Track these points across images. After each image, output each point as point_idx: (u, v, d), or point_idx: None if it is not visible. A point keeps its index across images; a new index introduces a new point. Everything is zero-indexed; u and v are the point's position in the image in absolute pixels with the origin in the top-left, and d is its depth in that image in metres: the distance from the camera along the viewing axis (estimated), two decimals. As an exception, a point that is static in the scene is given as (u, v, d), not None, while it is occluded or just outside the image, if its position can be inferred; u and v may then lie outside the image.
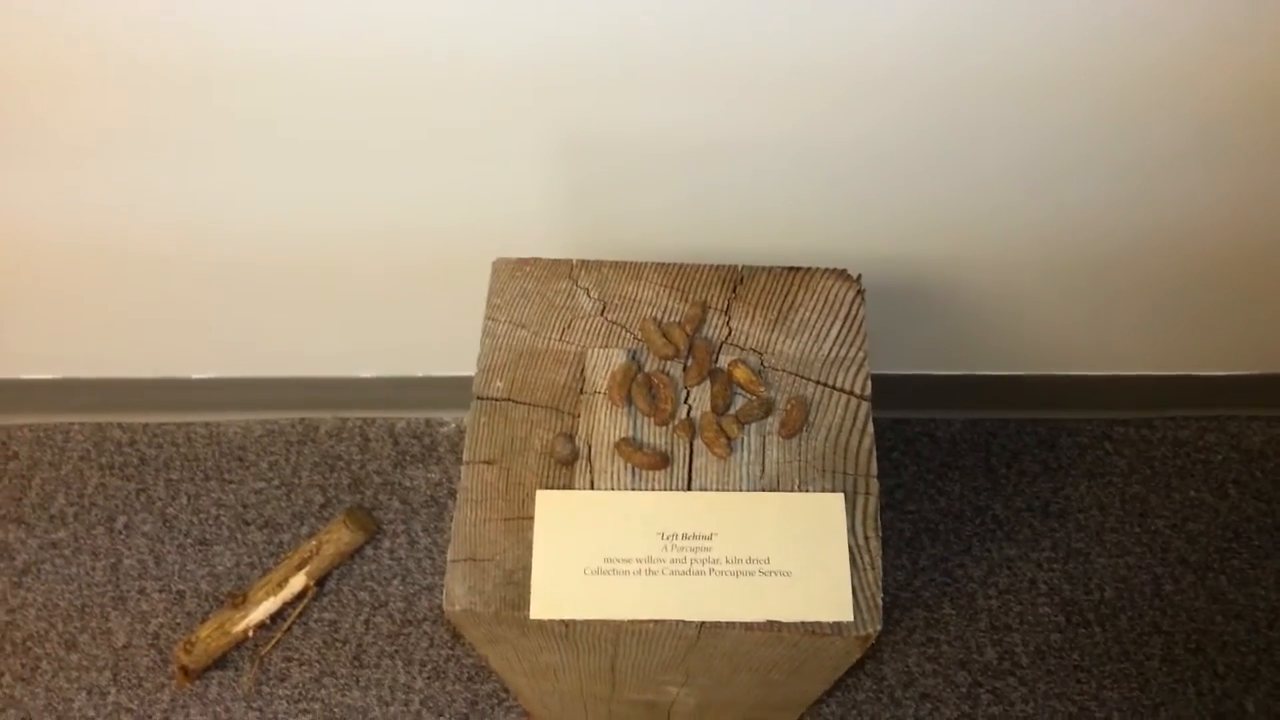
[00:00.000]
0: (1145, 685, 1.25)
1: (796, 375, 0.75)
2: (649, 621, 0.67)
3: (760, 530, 0.69)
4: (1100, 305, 1.13)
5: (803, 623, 0.67)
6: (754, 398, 0.73)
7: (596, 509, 0.70)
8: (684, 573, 0.68)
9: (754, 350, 0.76)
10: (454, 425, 1.38)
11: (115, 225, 0.99)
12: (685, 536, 0.69)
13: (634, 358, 0.75)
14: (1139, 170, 0.90)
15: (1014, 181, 0.91)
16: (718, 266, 0.79)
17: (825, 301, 0.77)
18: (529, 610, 0.68)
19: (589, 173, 0.90)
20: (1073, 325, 1.17)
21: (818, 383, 0.74)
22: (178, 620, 1.27)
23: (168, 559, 1.31)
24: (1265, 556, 1.32)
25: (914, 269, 1.05)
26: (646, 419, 0.73)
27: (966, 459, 1.37)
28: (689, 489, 0.71)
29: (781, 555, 0.68)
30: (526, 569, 0.69)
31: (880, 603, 0.68)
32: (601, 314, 0.77)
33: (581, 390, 0.74)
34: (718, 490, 0.71)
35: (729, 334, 0.76)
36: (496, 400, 0.74)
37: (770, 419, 0.73)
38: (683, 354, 0.75)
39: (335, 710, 1.23)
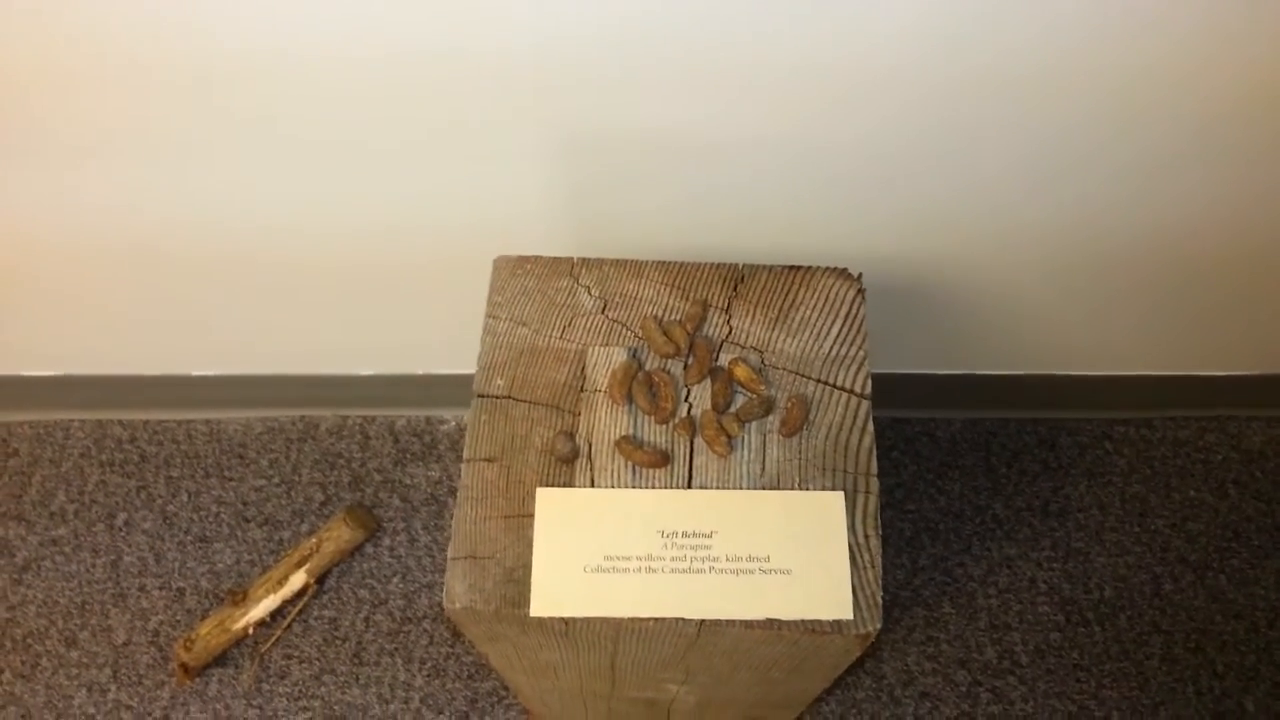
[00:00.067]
0: (1145, 684, 1.25)
1: (797, 374, 0.75)
2: (649, 619, 0.67)
3: (760, 528, 0.69)
4: (1100, 305, 1.13)
5: (803, 621, 0.67)
6: (754, 396, 0.73)
7: (597, 507, 0.70)
8: (684, 571, 0.68)
9: (755, 349, 0.76)
10: (454, 423, 1.38)
11: (116, 223, 0.99)
12: (685, 534, 0.69)
13: (635, 356, 0.75)
14: (1139, 170, 0.90)
15: (1014, 181, 0.91)
16: (718, 265, 0.79)
17: (826, 300, 0.77)
18: (529, 608, 0.68)
19: (590, 171, 0.90)
20: (1073, 325, 1.17)
21: (818, 381, 0.74)
22: (178, 617, 1.27)
23: (168, 556, 1.31)
24: (1265, 556, 1.32)
25: (914, 268, 1.05)
26: (647, 417, 0.73)
27: (966, 458, 1.37)
28: (689, 487, 0.71)
29: (781, 553, 0.69)
30: (526, 567, 0.69)
31: (880, 601, 0.68)
32: (602, 312, 0.77)
33: (582, 388, 0.74)
34: (718, 488, 0.71)
35: (730, 332, 0.76)
36: (497, 398, 0.74)
37: (771, 417, 0.73)
38: (683, 352, 0.75)
39: (335, 708, 1.23)
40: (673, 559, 0.68)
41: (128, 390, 1.31)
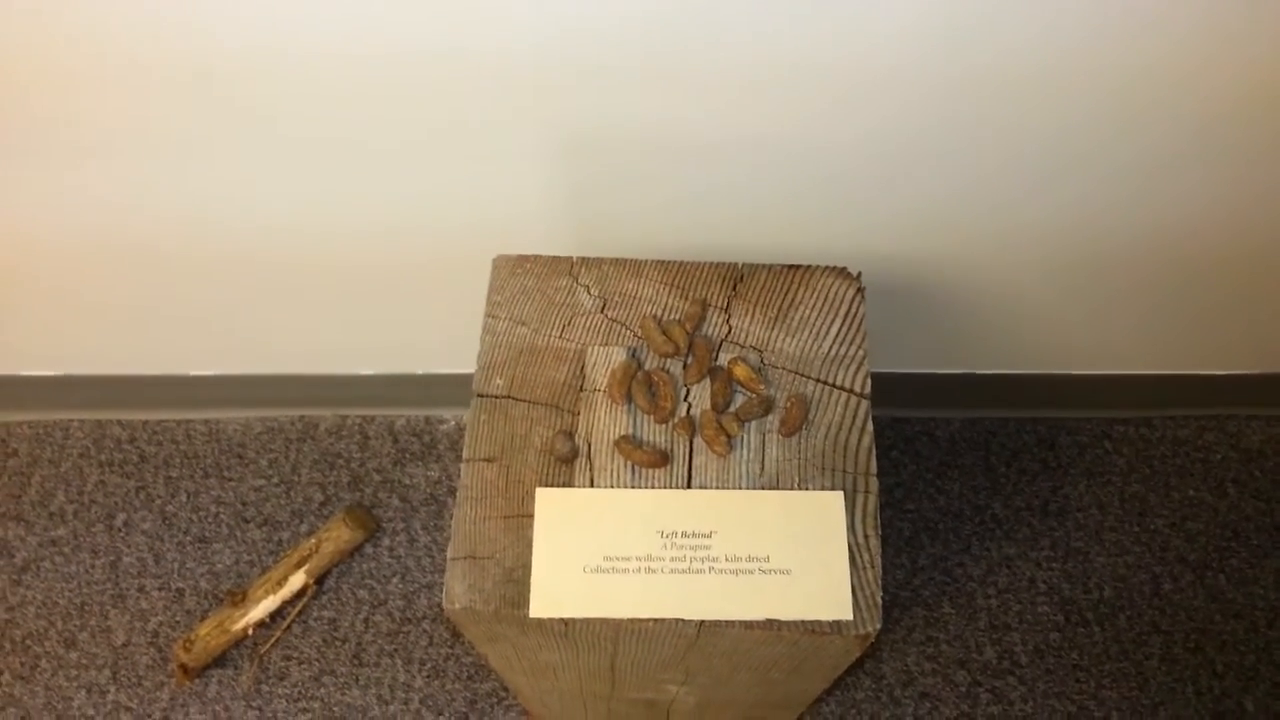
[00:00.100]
0: (1144, 684, 1.25)
1: (796, 373, 0.75)
2: (648, 620, 0.67)
3: (760, 528, 0.69)
4: (1100, 304, 1.13)
5: (802, 621, 0.67)
6: (754, 395, 0.73)
7: (596, 507, 0.70)
8: (683, 571, 0.68)
9: (754, 348, 0.76)
10: (454, 423, 1.38)
11: (115, 223, 0.99)
12: (685, 535, 0.69)
13: (634, 355, 0.75)
14: (1138, 170, 0.90)
15: (1014, 180, 0.91)
16: (718, 264, 0.79)
17: (825, 300, 0.77)
18: (528, 608, 0.68)
19: (589, 170, 0.90)
20: (1072, 324, 1.17)
21: (818, 381, 0.74)
22: (177, 618, 1.27)
23: (167, 557, 1.31)
24: (1264, 556, 1.32)
25: (914, 267, 1.05)
26: (646, 417, 0.73)
27: (966, 458, 1.37)
28: (689, 487, 0.71)
29: (781, 553, 0.68)
30: (526, 567, 0.69)
31: (880, 601, 0.68)
32: (601, 311, 0.77)
33: (581, 388, 0.74)
34: (717, 488, 0.71)
35: (729, 332, 0.76)
36: (496, 398, 0.74)
37: (770, 417, 0.73)
38: (683, 351, 0.75)
39: (335, 709, 1.23)
40: (672, 559, 0.68)
41: (127, 390, 1.31)
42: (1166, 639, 1.27)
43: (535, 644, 0.75)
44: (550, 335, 0.76)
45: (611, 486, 0.71)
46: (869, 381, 0.74)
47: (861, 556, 0.69)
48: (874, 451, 0.72)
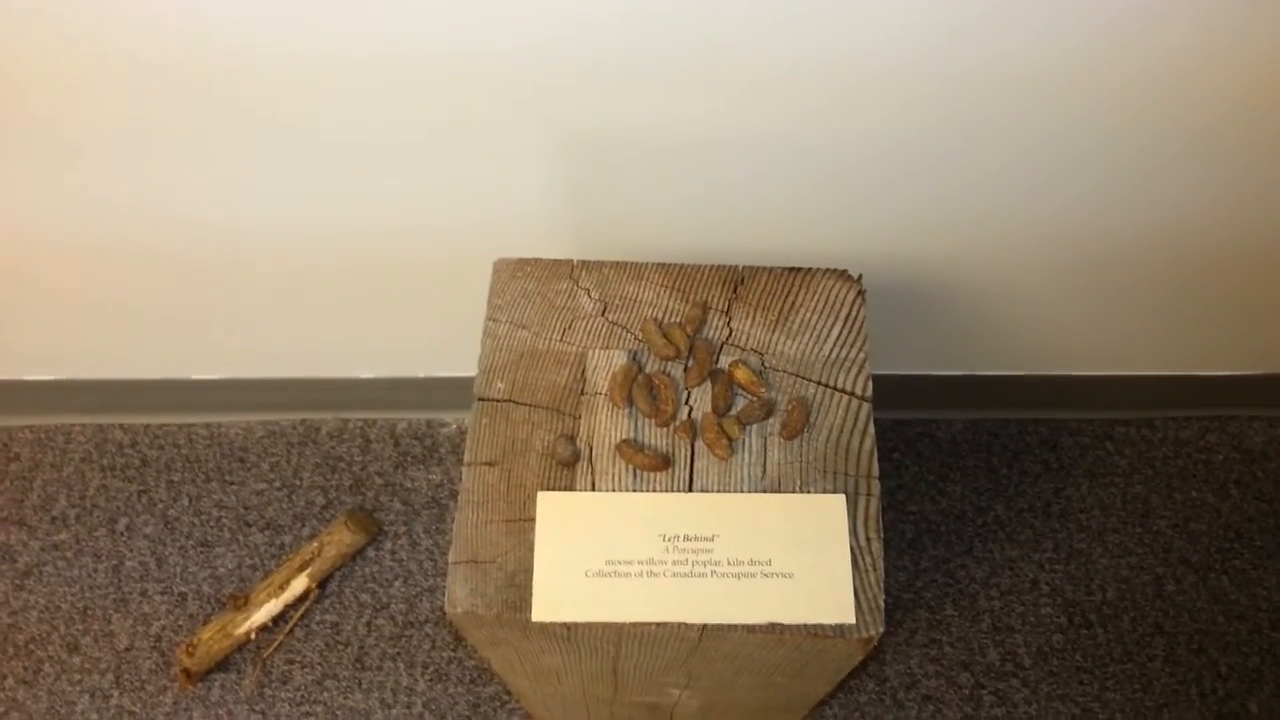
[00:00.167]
0: (1148, 686, 1.25)
1: (797, 376, 0.75)
2: (651, 624, 0.67)
3: (762, 532, 0.69)
4: (1101, 305, 1.13)
5: (805, 625, 0.67)
6: (755, 399, 0.73)
7: (598, 511, 0.70)
8: (685, 575, 0.68)
9: (755, 351, 0.76)
10: (455, 426, 1.38)
11: (116, 226, 0.99)
12: (687, 538, 0.69)
13: (635, 359, 0.75)
14: (1140, 170, 0.90)
15: (1015, 181, 0.91)
16: (718, 267, 0.79)
17: (826, 302, 0.77)
18: (530, 612, 0.67)
19: (589, 172, 0.90)
20: (1074, 325, 1.17)
21: (819, 383, 0.74)
22: (180, 622, 1.27)
23: (169, 561, 1.31)
24: (1267, 557, 1.31)
25: (915, 269, 1.05)
26: (647, 420, 0.73)
27: (968, 459, 1.36)
28: (690, 490, 0.71)
29: (783, 557, 0.68)
30: (528, 571, 0.69)
31: (882, 604, 0.68)
32: (602, 314, 0.77)
33: (582, 391, 0.74)
34: (719, 492, 0.71)
35: (730, 334, 0.76)
36: (498, 401, 0.74)
37: (771, 420, 0.73)
38: (684, 355, 0.75)
39: (337, 713, 1.23)
40: (674, 563, 0.68)
41: (128, 394, 1.31)
42: (1170, 641, 1.27)
43: (537, 648, 0.75)
44: (551, 338, 0.76)
45: (613, 490, 0.71)
46: (870, 384, 0.74)
47: (864, 559, 0.69)
48: (875, 454, 0.72)
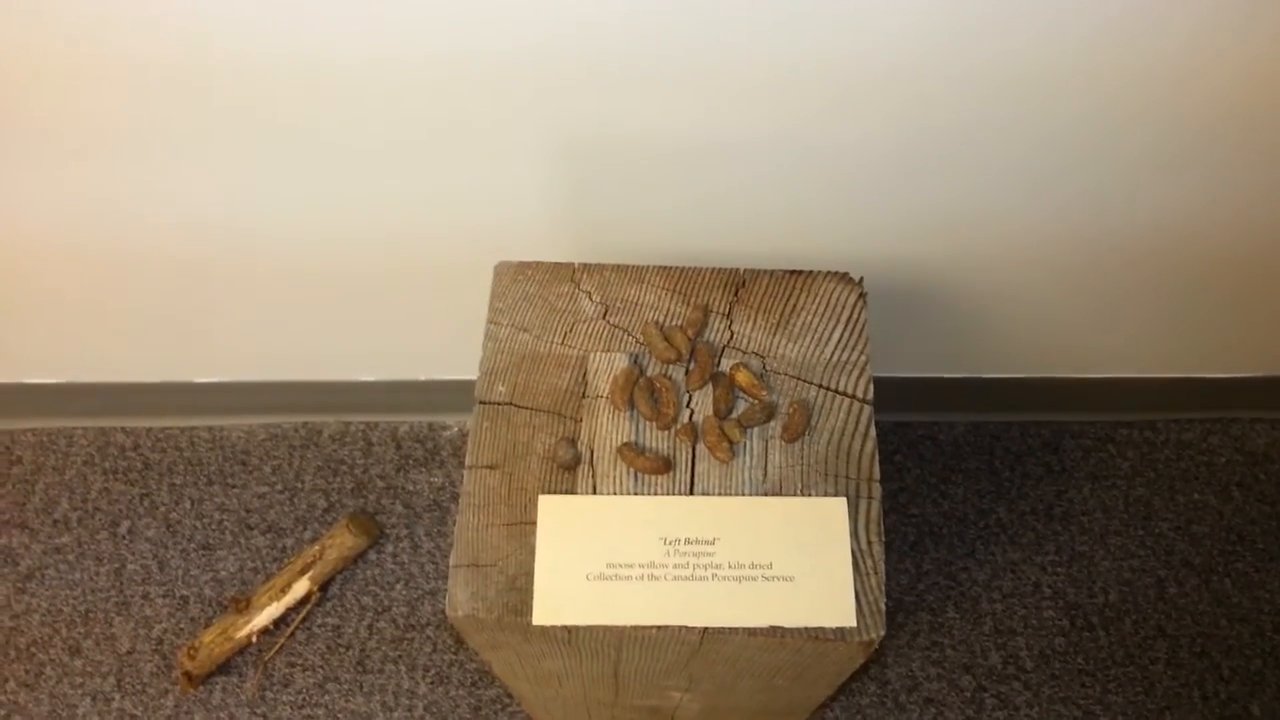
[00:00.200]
0: (1150, 689, 1.25)
1: (798, 379, 0.75)
2: (651, 628, 0.67)
3: (763, 535, 0.69)
4: (1103, 307, 1.13)
5: (806, 628, 0.67)
6: (756, 402, 0.73)
7: (599, 514, 0.70)
8: (686, 578, 0.68)
9: (756, 354, 0.76)
10: (457, 429, 1.38)
11: (117, 229, 0.99)
12: (688, 541, 0.69)
13: (636, 361, 0.75)
14: (1141, 171, 0.90)
15: (1016, 182, 0.91)
16: (719, 270, 0.79)
17: (827, 305, 0.77)
18: (531, 616, 0.67)
19: (590, 175, 0.90)
20: (1076, 327, 1.17)
21: (820, 386, 0.74)
22: (181, 625, 1.27)
23: (171, 564, 1.31)
24: (1270, 559, 1.31)
25: (916, 271, 1.05)
26: (649, 423, 0.73)
27: (970, 462, 1.36)
28: (691, 493, 0.71)
29: (784, 560, 0.68)
30: (529, 574, 0.69)
31: (883, 608, 0.68)
32: (603, 317, 0.77)
33: (584, 394, 0.74)
34: (720, 495, 0.71)
35: (731, 337, 0.76)
36: (499, 404, 0.74)
37: (772, 423, 0.73)
38: (685, 358, 0.75)
39: (339, 716, 1.23)
40: (675, 566, 0.68)
41: (130, 398, 1.31)
42: (1172, 643, 1.27)
43: (538, 651, 0.75)
44: (552, 342, 0.76)
45: (614, 493, 0.71)
46: (871, 387, 0.74)
47: (865, 563, 0.69)
48: (877, 457, 0.72)
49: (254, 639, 1.23)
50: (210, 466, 1.36)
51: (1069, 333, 1.18)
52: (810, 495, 0.71)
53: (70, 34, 0.76)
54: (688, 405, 0.74)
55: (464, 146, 0.87)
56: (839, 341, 0.76)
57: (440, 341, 1.18)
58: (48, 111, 0.83)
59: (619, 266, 0.79)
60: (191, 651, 1.21)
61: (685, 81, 0.79)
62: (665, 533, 0.69)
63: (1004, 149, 0.87)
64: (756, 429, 0.72)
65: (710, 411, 0.73)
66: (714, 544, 0.69)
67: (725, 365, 0.75)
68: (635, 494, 0.71)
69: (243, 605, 1.23)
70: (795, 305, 0.77)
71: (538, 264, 0.79)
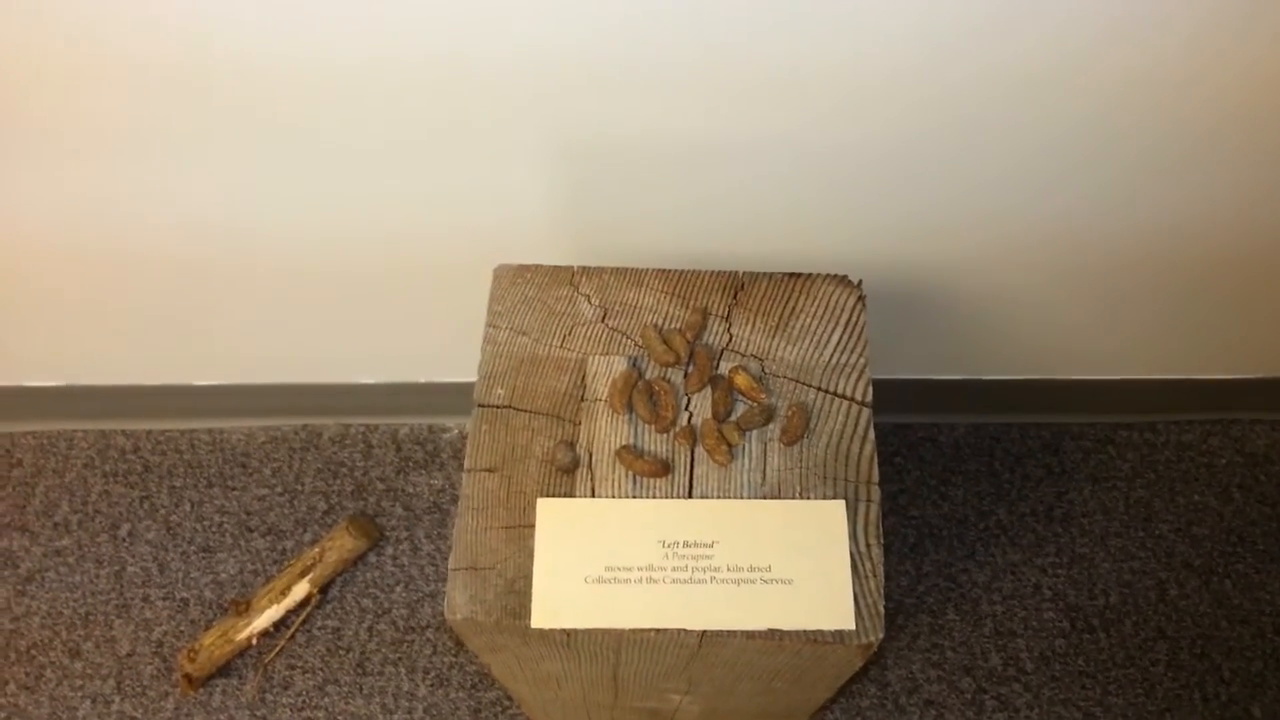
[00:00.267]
0: (1150, 691, 1.24)
1: (797, 382, 0.75)
2: (650, 630, 0.67)
3: (761, 538, 0.69)
4: (1103, 309, 1.13)
5: (804, 631, 0.67)
6: (755, 404, 0.73)
7: (597, 517, 0.70)
8: (685, 581, 0.68)
9: (755, 357, 0.76)
10: (457, 431, 1.38)
11: (117, 230, 0.99)
12: (686, 544, 0.69)
13: (635, 364, 0.75)
14: (1141, 172, 0.90)
15: (1016, 184, 0.91)
16: (718, 273, 0.79)
17: (826, 308, 0.77)
18: (530, 619, 0.67)
19: (590, 176, 0.90)
20: (1076, 329, 1.17)
21: (819, 389, 0.74)
22: (181, 628, 1.27)
23: (171, 566, 1.31)
24: (1270, 561, 1.31)
25: (916, 273, 1.05)
26: (647, 426, 0.73)
27: (970, 463, 1.36)
28: (690, 496, 0.71)
29: (783, 563, 0.68)
30: (527, 577, 0.69)
31: (882, 611, 0.68)
32: (602, 320, 0.77)
33: (582, 397, 0.74)
34: (719, 498, 0.71)
35: (730, 340, 0.76)
36: (497, 408, 0.74)
37: (771, 426, 0.73)
38: (684, 361, 0.75)
39: (339, 718, 1.23)
40: (674, 569, 0.68)
41: (131, 400, 1.31)
42: (1173, 645, 1.27)
43: (537, 654, 0.75)
44: (551, 345, 0.76)
45: (613, 496, 0.71)
46: (870, 390, 0.74)
47: (864, 566, 0.69)
48: (876, 460, 0.72)
49: (254, 641, 1.23)
50: (210, 469, 1.36)
51: (1069, 334, 1.18)
52: (809, 498, 0.71)
53: (70, 34, 0.76)
54: (686, 408, 0.74)
55: (464, 147, 0.87)
56: (838, 344, 0.76)
57: (440, 343, 1.18)
58: (48, 111, 0.83)
59: (618, 269, 0.79)
60: (191, 654, 1.21)
61: (685, 83, 0.79)
62: (664, 535, 0.69)
63: (1004, 150, 0.87)
64: (755, 432, 0.72)
65: (709, 414, 0.73)
66: (713, 547, 0.69)
67: (724, 368, 0.75)
68: (634, 497, 0.71)
69: (243, 608, 1.23)
70: (794, 308, 0.77)
71: (537, 267, 0.79)
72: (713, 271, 0.79)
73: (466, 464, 0.72)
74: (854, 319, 0.77)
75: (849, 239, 0.98)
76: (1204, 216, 0.96)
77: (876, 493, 0.71)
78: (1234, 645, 1.27)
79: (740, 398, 0.74)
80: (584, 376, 0.75)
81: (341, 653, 1.26)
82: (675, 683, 0.81)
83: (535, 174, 0.90)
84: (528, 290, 0.78)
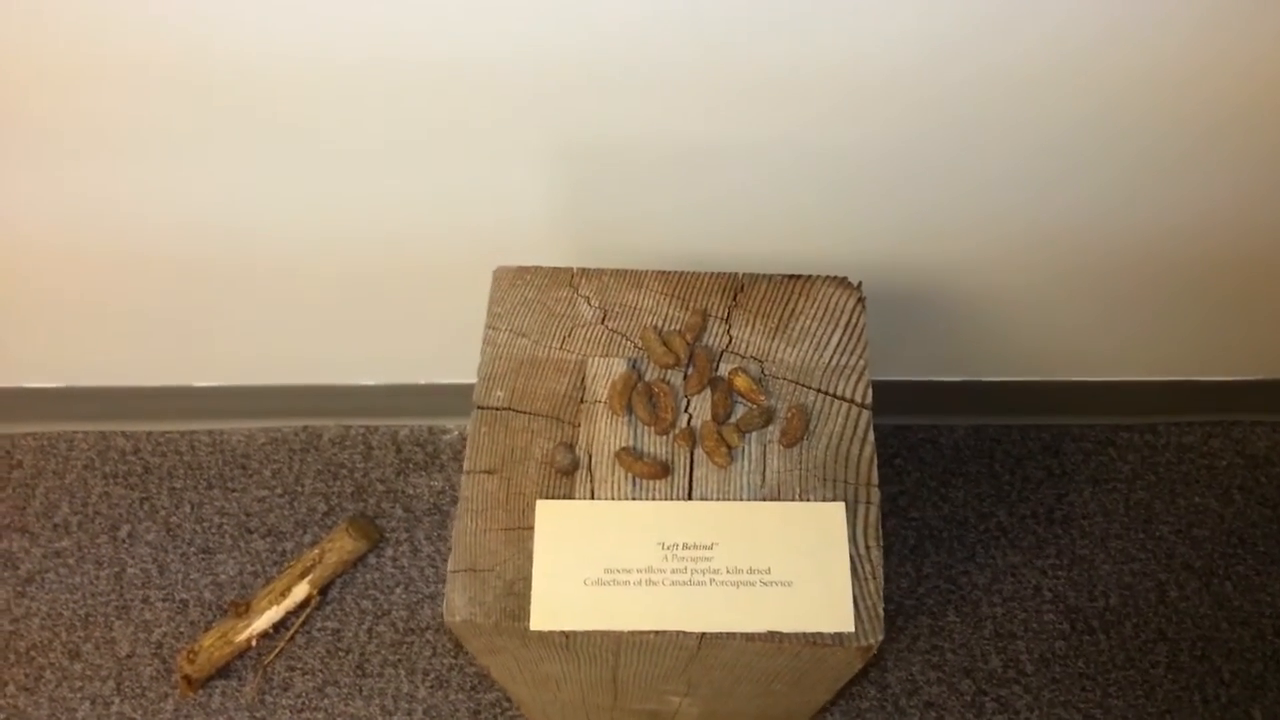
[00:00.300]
0: (1151, 693, 1.24)
1: (797, 383, 0.74)
2: (649, 632, 0.67)
3: (761, 540, 0.69)
4: (1104, 310, 1.13)
5: (804, 634, 0.67)
6: (754, 406, 0.73)
7: (597, 519, 0.70)
8: (685, 583, 0.68)
9: (754, 358, 0.75)
10: (456, 433, 1.38)
11: (116, 231, 0.99)
12: (686, 546, 0.69)
13: (634, 366, 0.75)
14: (1141, 173, 0.90)
15: (1016, 185, 0.91)
16: (718, 274, 0.79)
17: (826, 310, 0.77)
18: (529, 621, 0.67)
19: (590, 177, 0.90)
20: (1076, 330, 1.17)
21: (818, 391, 0.74)
22: (181, 629, 1.27)
23: (171, 568, 1.31)
24: (1271, 562, 1.31)
25: (916, 274, 1.05)
26: (647, 428, 0.73)
27: (970, 465, 1.36)
28: (689, 498, 0.71)
29: (782, 565, 0.68)
30: (527, 579, 0.68)
31: (882, 613, 0.68)
32: (602, 322, 0.77)
33: (582, 399, 0.74)
34: (718, 500, 0.71)
35: (729, 342, 0.76)
36: (497, 409, 0.74)
37: (771, 428, 0.73)
38: (683, 362, 0.75)
39: (338, 719, 1.23)
40: (673, 571, 0.68)
41: (130, 401, 1.31)
42: (1173, 647, 1.26)
43: (536, 656, 0.75)
44: (551, 346, 0.76)
45: (612, 498, 0.71)
46: (870, 391, 0.74)
47: (863, 568, 0.69)
48: (875, 462, 0.72)
49: (253, 643, 1.23)
50: (210, 470, 1.36)
51: (1069, 336, 1.18)
52: (809, 500, 0.70)
53: (70, 34, 0.76)
54: (686, 410, 0.74)
55: (464, 147, 0.87)
56: (838, 346, 0.76)
57: (440, 344, 1.18)
58: (48, 111, 0.83)
59: (617, 271, 0.79)
60: (191, 655, 1.21)
61: (685, 83, 0.79)
62: (663, 538, 0.69)
63: (1004, 151, 0.87)
64: (755, 434, 0.72)
65: (708, 416, 0.73)
66: (712, 549, 0.69)
67: (724, 370, 0.75)
68: (633, 499, 0.71)
69: (242, 609, 1.23)
70: (794, 310, 0.77)
71: (536, 269, 0.79)
72: (712, 273, 0.79)
73: (466, 466, 0.72)
74: (854, 320, 0.77)
75: (849, 240, 0.98)
76: (1204, 216, 0.96)
77: (876, 495, 0.71)
78: (1234, 647, 1.26)
79: (740, 399, 0.74)
80: (583, 378, 0.75)
81: (341, 654, 1.26)
82: (674, 685, 0.81)
83: (535, 174, 0.89)
84: (527, 292, 0.78)
